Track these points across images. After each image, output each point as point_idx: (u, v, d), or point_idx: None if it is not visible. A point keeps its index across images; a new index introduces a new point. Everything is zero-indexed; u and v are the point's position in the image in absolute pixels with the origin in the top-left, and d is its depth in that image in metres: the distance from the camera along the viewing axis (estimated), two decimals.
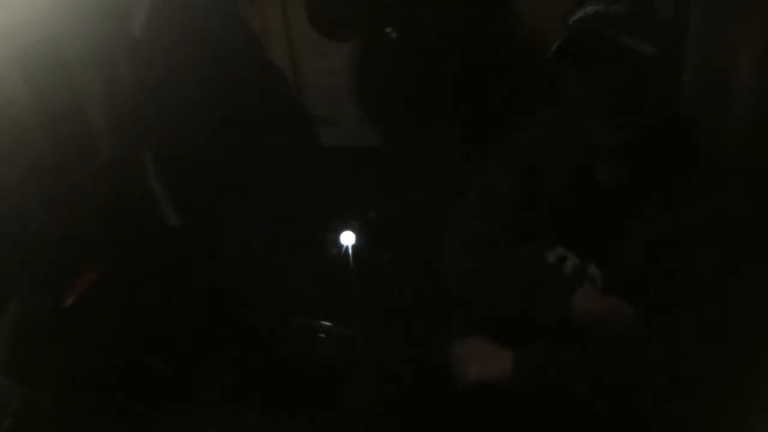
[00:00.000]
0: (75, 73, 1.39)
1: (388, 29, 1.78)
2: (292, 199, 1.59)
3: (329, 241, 1.67)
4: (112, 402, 1.35)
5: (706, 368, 1.02)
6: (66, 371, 1.37)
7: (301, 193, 1.60)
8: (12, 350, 1.36)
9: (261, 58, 1.64)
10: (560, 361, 1.09)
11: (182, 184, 1.52)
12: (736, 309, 1.03)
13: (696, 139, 1.13)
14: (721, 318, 1.03)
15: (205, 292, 1.48)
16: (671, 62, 1.06)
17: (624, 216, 1.11)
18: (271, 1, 1.91)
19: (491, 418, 1.17)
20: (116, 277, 1.46)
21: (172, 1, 1.40)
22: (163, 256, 1.51)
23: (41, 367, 1.36)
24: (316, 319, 1.52)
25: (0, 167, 1.35)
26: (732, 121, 1.40)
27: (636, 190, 1.11)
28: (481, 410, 1.18)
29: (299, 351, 1.48)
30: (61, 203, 1.42)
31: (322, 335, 1.49)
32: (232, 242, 1.53)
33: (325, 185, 1.69)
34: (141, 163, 1.52)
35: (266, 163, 1.53)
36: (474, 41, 1.70)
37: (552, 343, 1.13)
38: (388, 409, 1.28)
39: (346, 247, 1.63)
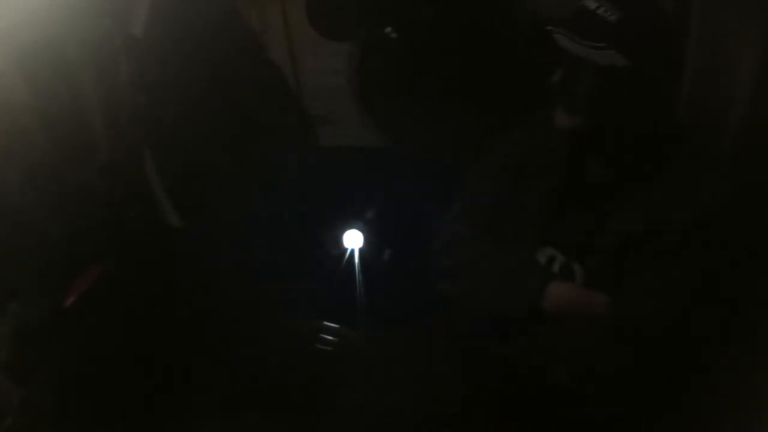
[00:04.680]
0: (75, 73, 1.39)
1: (388, 29, 1.78)
2: (290, 198, 1.59)
3: (328, 240, 1.67)
4: (112, 402, 1.35)
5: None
6: (66, 371, 1.37)
7: (299, 192, 1.60)
8: (12, 350, 1.36)
9: (260, 56, 1.64)
10: None
11: (182, 184, 1.52)
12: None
13: (679, 132, 1.14)
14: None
15: (204, 291, 1.48)
16: (652, 73, 1.05)
17: (608, 211, 1.12)
18: (271, 1, 1.91)
19: (490, 418, 1.18)
20: (116, 276, 1.46)
21: (172, 1, 1.40)
22: (163, 256, 1.51)
23: (41, 367, 1.36)
24: (316, 319, 1.52)
25: (0, 167, 1.36)
26: (728, 119, 1.41)
27: (620, 186, 1.12)
28: (481, 411, 1.18)
29: (299, 351, 1.48)
30: (61, 203, 1.42)
31: (323, 335, 1.49)
32: (231, 242, 1.53)
33: (323, 184, 1.69)
34: (141, 163, 1.52)
35: (265, 162, 1.53)
36: (473, 41, 1.70)
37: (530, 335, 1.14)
38: (389, 409, 1.29)
39: (345, 247, 1.63)
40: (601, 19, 1.01)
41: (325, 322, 1.50)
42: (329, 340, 1.48)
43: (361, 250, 1.58)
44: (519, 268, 1.18)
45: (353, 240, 1.56)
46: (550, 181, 1.19)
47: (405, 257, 1.70)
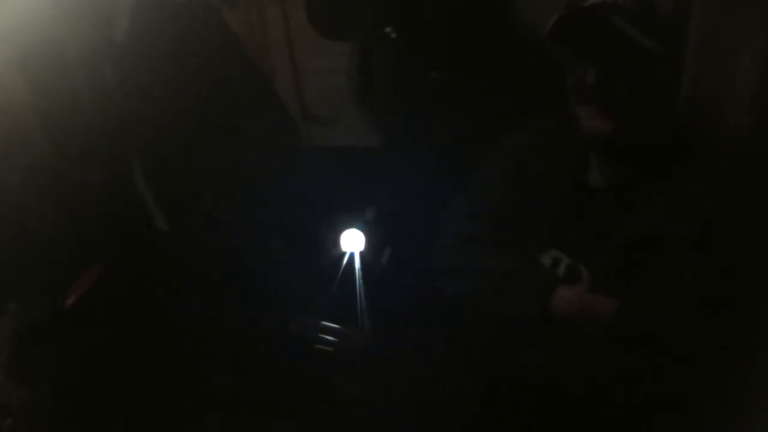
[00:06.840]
0: (75, 73, 1.39)
1: (388, 29, 1.78)
2: (288, 198, 1.59)
3: (328, 240, 1.66)
4: (112, 402, 1.35)
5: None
6: (66, 371, 1.37)
7: (296, 193, 1.60)
8: (12, 350, 1.36)
9: (242, 59, 1.63)
10: None
11: (170, 188, 1.51)
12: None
13: (687, 135, 1.13)
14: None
15: (204, 292, 1.48)
16: (672, 62, 1.06)
17: (612, 215, 1.12)
18: (271, 1, 1.91)
19: (493, 421, 1.18)
20: (116, 277, 1.46)
21: (152, 6, 1.40)
22: (163, 257, 1.51)
23: (41, 367, 1.36)
24: (316, 319, 1.52)
25: (0, 167, 1.36)
26: (730, 120, 1.40)
27: (626, 190, 1.11)
28: (484, 414, 1.18)
29: (299, 351, 1.48)
30: (61, 203, 1.42)
31: (323, 335, 1.49)
32: (230, 243, 1.53)
33: (323, 184, 1.69)
34: (132, 166, 1.52)
35: (255, 164, 1.53)
36: (474, 41, 1.70)
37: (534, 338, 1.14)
38: (389, 410, 1.29)
39: (345, 247, 1.62)
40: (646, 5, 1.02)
41: (325, 322, 1.50)
42: (329, 340, 1.48)
43: (361, 250, 1.58)
44: (522, 271, 1.17)
45: (353, 240, 1.56)
46: (556, 182, 1.18)
47: (406, 258, 1.70)
